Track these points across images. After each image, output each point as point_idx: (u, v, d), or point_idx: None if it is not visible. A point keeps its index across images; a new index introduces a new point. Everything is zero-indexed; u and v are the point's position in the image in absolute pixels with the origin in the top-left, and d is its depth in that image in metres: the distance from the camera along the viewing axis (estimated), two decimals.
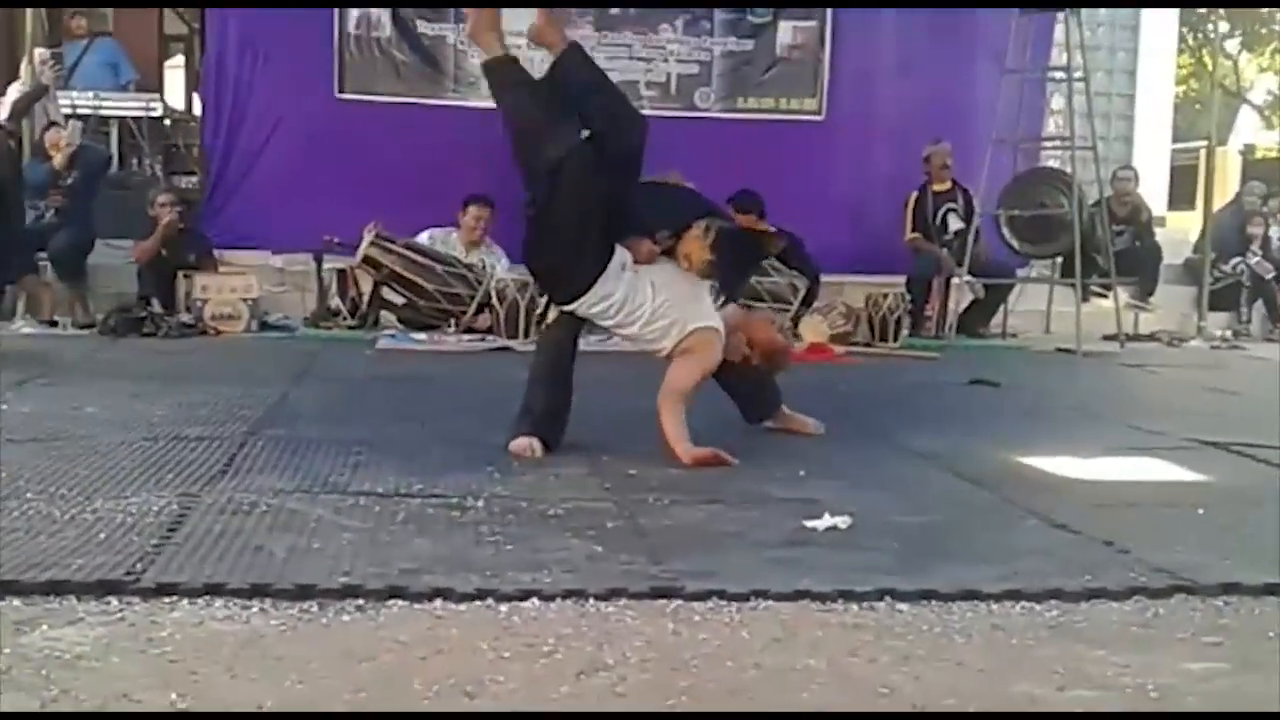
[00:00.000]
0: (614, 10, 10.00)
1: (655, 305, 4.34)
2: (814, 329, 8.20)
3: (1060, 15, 9.43)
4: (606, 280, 4.33)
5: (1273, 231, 11.27)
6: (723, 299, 4.54)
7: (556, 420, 4.47)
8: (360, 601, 2.68)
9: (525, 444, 4.34)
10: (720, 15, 10.12)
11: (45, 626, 2.48)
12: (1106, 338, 9.11)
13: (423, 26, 9.80)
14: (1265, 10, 26.57)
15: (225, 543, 3.07)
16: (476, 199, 8.61)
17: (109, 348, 7.36)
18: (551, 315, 4.74)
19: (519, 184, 9.26)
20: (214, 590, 2.69)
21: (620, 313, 4.37)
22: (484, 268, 8.43)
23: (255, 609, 2.62)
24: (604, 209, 4.32)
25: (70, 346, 7.30)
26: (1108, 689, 2.36)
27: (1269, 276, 10.60)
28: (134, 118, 10.63)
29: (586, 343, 6.52)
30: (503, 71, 4.44)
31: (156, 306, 8.21)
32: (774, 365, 4.71)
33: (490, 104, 9.72)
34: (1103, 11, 12.69)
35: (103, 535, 3.09)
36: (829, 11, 10.14)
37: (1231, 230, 10.96)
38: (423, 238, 8.55)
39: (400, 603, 2.69)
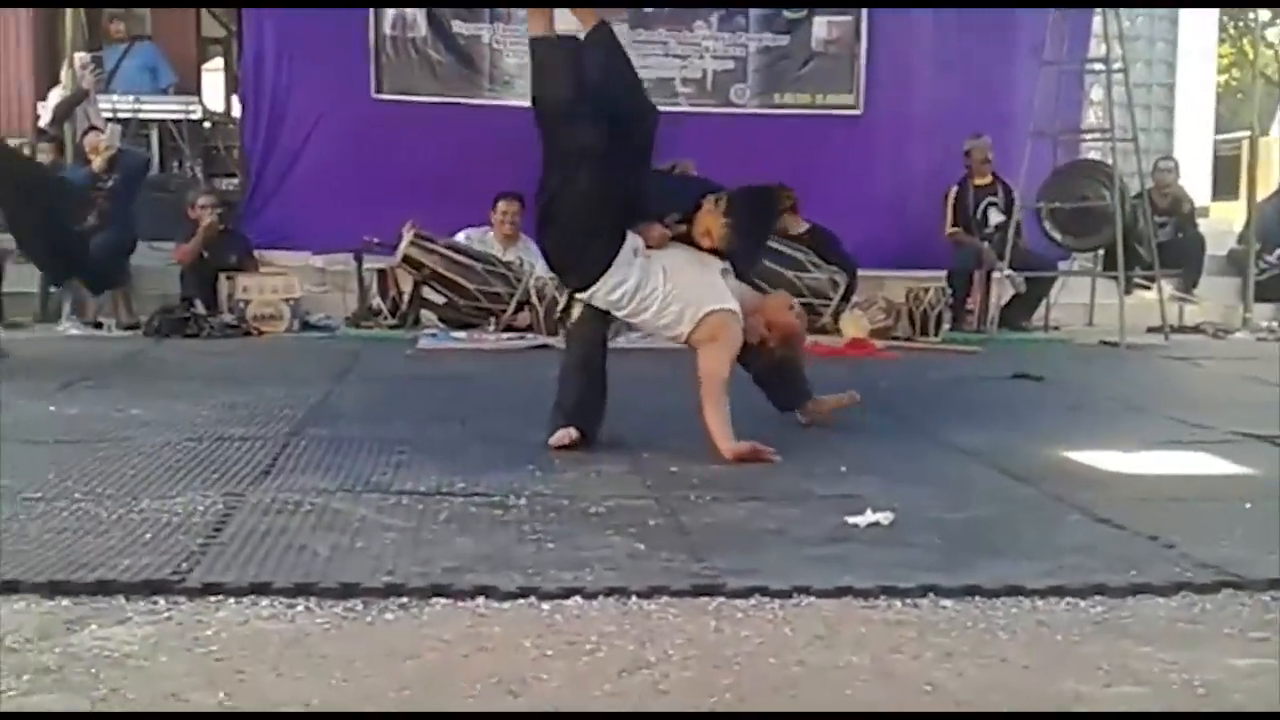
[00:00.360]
0: (648, 8, 9.99)
1: (667, 291, 4.37)
2: (855, 324, 8.16)
3: (1098, 5, 9.36)
4: (619, 267, 4.36)
5: None
6: (737, 272, 4.57)
7: (590, 413, 4.49)
8: (404, 600, 2.70)
9: (563, 434, 4.37)
10: (755, 11, 10.11)
11: (94, 626, 2.51)
12: (1150, 330, 9.03)
13: (458, 26, 9.84)
14: None
15: (270, 542, 3.10)
16: (505, 195, 8.63)
17: (153, 349, 7.42)
18: (575, 311, 4.76)
19: None
20: (259, 589, 2.72)
21: (634, 300, 4.39)
22: (521, 265, 8.44)
23: (300, 608, 2.65)
24: (619, 195, 4.35)
25: (115, 348, 7.37)
26: (1154, 685, 2.35)
27: None
28: (174, 121, 10.70)
29: (628, 340, 6.55)
30: (545, 46, 4.45)
31: (199, 307, 8.27)
32: (791, 348, 4.71)
33: (526, 103, 9.77)
34: None
35: (149, 535, 3.13)
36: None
37: (1276, 220, 10.81)
38: (459, 237, 8.58)
39: (443, 601, 2.70)
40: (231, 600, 2.67)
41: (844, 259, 8.55)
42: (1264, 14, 17.62)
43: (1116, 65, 9.08)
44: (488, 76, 9.87)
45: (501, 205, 8.66)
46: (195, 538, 3.10)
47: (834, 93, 10.22)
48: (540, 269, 8.36)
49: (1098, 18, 9.52)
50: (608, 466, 4.11)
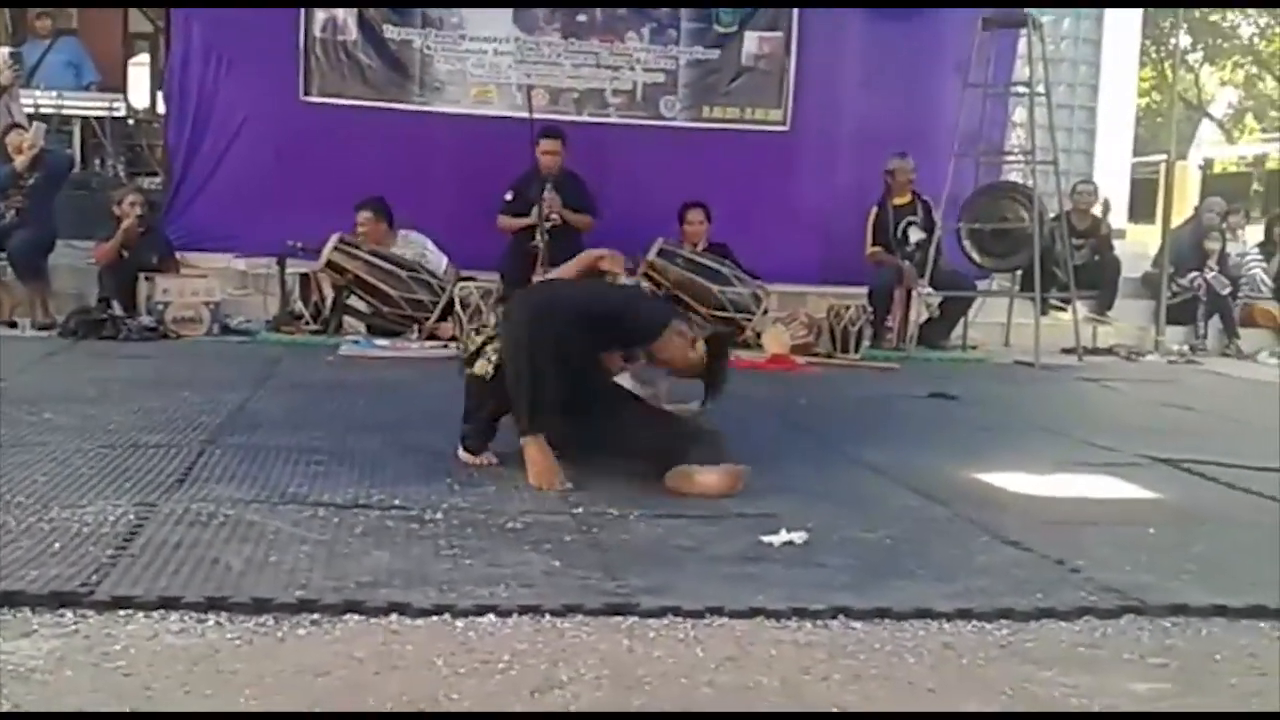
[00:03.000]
0: (581, 17, 10.02)
1: None
2: (776, 339, 8.23)
3: (1023, 29, 9.52)
4: None
5: (1230, 247, 11.43)
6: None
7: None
8: (316, 616, 2.68)
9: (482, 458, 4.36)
10: (686, 24, 10.16)
11: None
12: (1065, 351, 9.20)
13: (389, 31, 9.78)
14: (1226, 23, 26.91)
15: (182, 554, 3.06)
16: (360, 204, 8.53)
17: (69, 350, 7.30)
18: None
19: (483, 189, 9.23)
20: (169, 603, 2.69)
21: None
22: (425, 259, 8.46)
23: (211, 622, 2.62)
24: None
25: (29, 349, 7.24)
26: (1054, 710, 2.40)
27: (1225, 291, 10.72)
28: (97, 117, 10.56)
29: None
30: None
31: (117, 309, 8.11)
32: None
33: (456, 109, 9.83)
34: (1066, 24, 12.82)
35: (58, 545, 3.08)
36: (794, 22, 10.19)
37: (1190, 245, 11.07)
38: None
39: (356, 617, 2.69)
40: (141, 614, 2.64)
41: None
42: (1185, 39, 17.99)
43: (1039, 88, 9.24)
44: (418, 82, 9.83)
45: (358, 218, 8.54)
46: (105, 549, 3.06)
47: (762, 107, 10.28)
48: (434, 258, 8.38)
49: (1023, 40, 9.69)
50: (526, 481, 4.10)
